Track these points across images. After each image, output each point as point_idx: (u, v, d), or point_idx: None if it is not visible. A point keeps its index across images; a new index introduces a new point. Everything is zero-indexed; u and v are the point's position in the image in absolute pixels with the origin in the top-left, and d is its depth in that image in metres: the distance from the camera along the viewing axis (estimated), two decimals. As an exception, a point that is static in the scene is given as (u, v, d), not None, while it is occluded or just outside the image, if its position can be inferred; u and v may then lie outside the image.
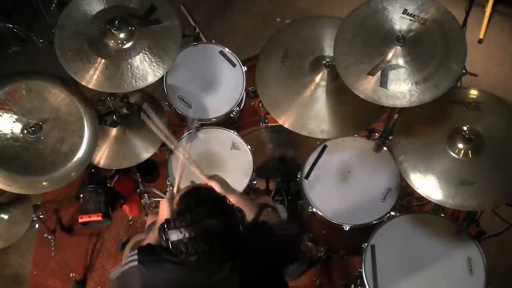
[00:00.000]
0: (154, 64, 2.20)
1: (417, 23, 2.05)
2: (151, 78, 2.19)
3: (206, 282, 1.63)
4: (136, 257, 1.66)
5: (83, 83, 2.14)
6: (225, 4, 4.03)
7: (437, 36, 2.02)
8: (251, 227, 1.74)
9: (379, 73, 2.00)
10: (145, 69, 2.19)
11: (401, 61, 2.00)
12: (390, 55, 2.01)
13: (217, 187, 1.88)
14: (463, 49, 2.01)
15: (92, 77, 2.15)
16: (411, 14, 2.06)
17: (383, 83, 1.98)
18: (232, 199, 1.74)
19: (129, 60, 2.19)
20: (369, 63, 2.02)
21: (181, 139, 2.52)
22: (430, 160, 2.08)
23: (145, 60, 2.19)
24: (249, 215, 1.88)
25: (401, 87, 1.97)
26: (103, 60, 2.17)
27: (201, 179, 1.97)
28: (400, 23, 2.06)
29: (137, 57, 2.19)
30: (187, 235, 1.50)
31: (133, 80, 2.17)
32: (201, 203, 1.56)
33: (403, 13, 2.06)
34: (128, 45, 2.21)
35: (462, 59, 2.00)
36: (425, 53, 2.01)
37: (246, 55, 2.84)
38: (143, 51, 2.20)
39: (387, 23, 2.07)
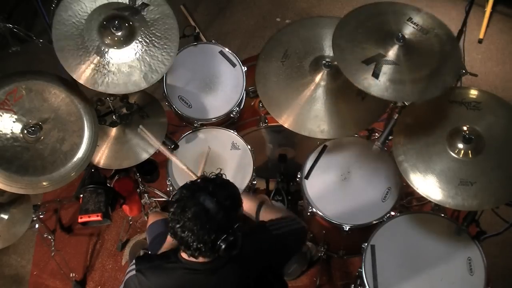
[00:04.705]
0: (154, 64, 2.19)
1: (420, 32, 2.08)
2: (151, 78, 2.18)
3: (203, 285, 1.63)
4: (134, 266, 1.67)
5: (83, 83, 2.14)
6: (225, 4, 4.03)
7: (436, 49, 2.05)
8: (250, 228, 1.74)
9: (373, 64, 2.00)
10: (145, 69, 2.18)
11: (397, 59, 2.02)
12: (388, 51, 2.03)
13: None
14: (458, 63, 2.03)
15: (92, 77, 2.14)
16: (415, 23, 2.10)
17: (375, 74, 1.99)
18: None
19: (129, 60, 2.18)
20: (367, 54, 2.03)
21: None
22: (430, 160, 2.08)
23: (145, 60, 2.19)
24: (251, 210, 1.90)
25: (392, 83, 1.99)
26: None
27: None
28: (404, 27, 2.09)
29: (137, 57, 2.19)
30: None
31: (133, 80, 2.16)
32: (221, 186, 1.59)
33: (407, 20, 2.10)
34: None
35: (456, 72, 2.04)
36: (421, 56, 2.03)
37: (246, 55, 2.84)
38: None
39: (390, 24, 2.09)
